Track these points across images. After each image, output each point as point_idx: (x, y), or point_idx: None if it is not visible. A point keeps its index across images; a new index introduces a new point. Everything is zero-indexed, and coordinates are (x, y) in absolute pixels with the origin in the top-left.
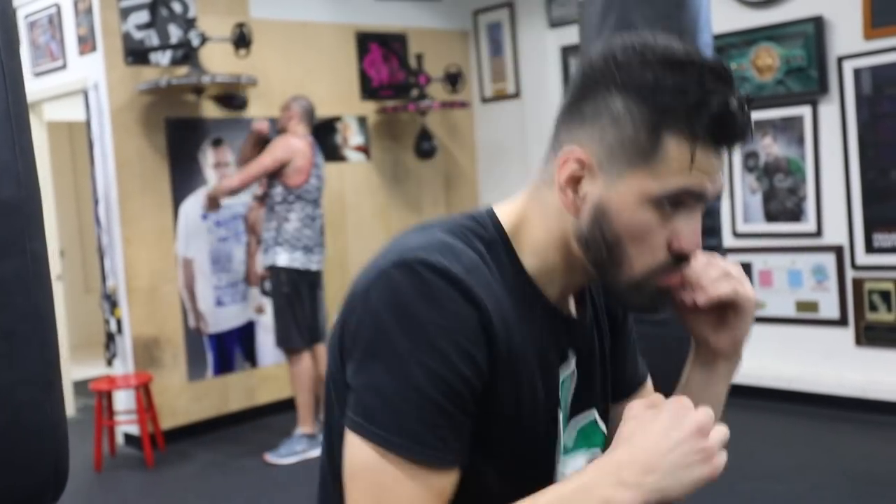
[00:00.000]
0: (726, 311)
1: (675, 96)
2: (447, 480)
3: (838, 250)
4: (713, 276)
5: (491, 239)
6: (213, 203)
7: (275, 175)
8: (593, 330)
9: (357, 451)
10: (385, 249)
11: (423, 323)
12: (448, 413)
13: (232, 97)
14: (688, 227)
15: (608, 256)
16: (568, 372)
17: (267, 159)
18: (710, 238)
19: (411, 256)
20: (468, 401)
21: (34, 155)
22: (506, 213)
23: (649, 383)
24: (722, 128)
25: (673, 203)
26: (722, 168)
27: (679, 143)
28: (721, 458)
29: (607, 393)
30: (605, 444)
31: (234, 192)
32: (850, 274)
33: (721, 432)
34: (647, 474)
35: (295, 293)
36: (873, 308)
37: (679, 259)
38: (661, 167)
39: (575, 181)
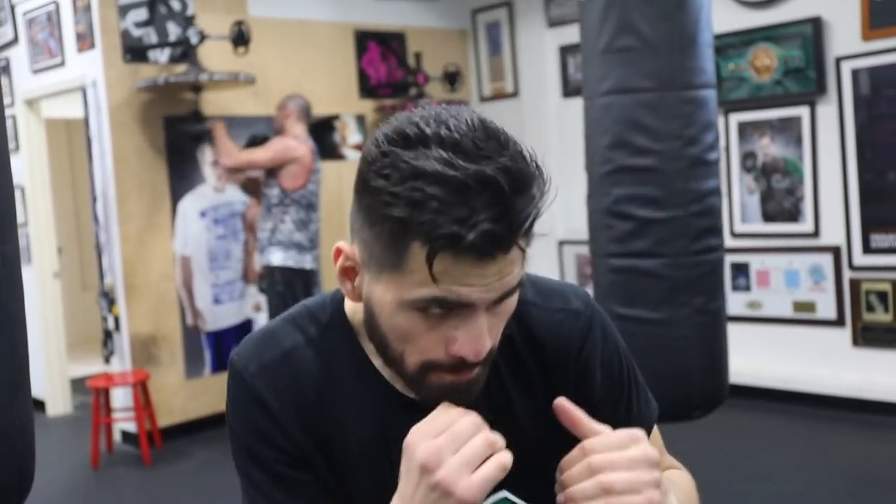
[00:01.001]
0: None
1: (410, 210)
2: None
3: (835, 251)
4: (587, 491)
5: (327, 321)
6: (225, 175)
7: (272, 175)
8: (506, 405)
9: None
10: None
11: (231, 420)
12: (274, 488)
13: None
14: (462, 332)
15: (385, 352)
16: None
17: (266, 152)
18: (712, 238)
19: (233, 353)
20: (290, 474)
21: (8, 155)
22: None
23: (655, 432)
24: (460, 245)
25: (439, 307)
26: (497, 272)
27: (420, 254)
28: (465, 486)
29: (534, 469)
30: None
31: (234, 170)
32: (847, 274)
33: (465, 453)
34: None
35: (289, 292)
36: (870, 308)
37: (461, 361)
38: (407, 276)
39: (348, 272)
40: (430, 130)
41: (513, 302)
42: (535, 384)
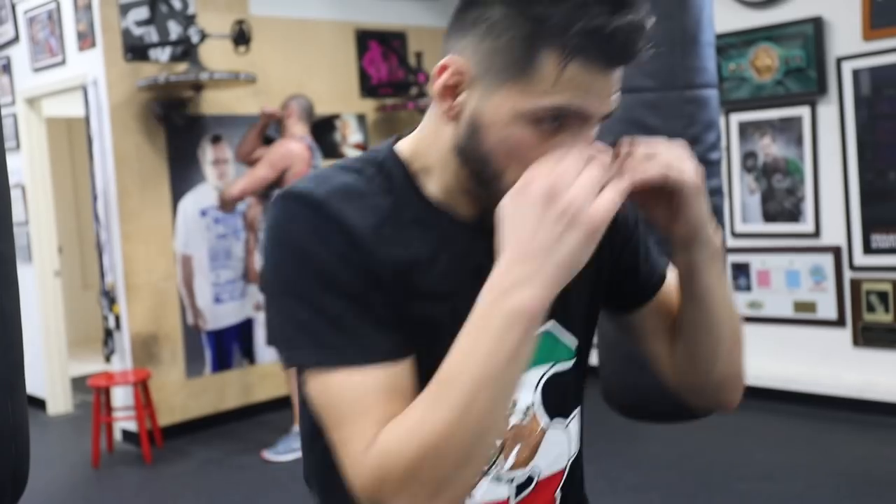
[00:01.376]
0: (671, 195)
1: (549, 8)
2: (393, 373)
3: (836, 251)
4: (637, 158)
5: (381, 160)
6: (226, 207)
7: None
8: None
9: (307, 385)
10: None
11: (299, 246)
12: (353, 315)
13: None
14: (569, 146)
15: (482, 170)
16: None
17: (267, 171)
18: None
19: (281, 192)
20: (370, 300)
21: (4, 154)
22: (406, 139)
23: (671, 278)
24: (599, 45)
25: (554, 120)
26: (613, 86)
27: (553, 58)
28: (594, 209)
29: (578, 306)
30: (578, 355)
31: (237, 200)
32: (847, 274)
33: (584, 180)
34: (531, 262)
35: None
36: (871, 309)
37: None
38: (534, 83)
39: (451, 90)
40: None
41: (598, 130)
42: None
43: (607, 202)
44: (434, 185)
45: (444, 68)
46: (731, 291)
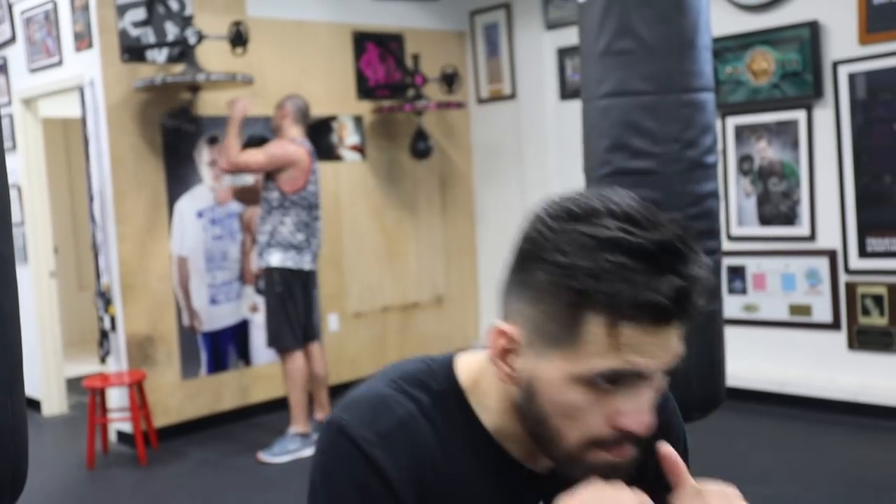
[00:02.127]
0: None
1: (593, 280)
2: None
3: (832, 254)
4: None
5: (440, 391)
6: (230, 167)
7: (272, 178)
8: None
9: None
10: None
11: (335, 488)
12: None
13: None
14: (630, 405)
15: (539, 431)
16: None
17: (262, 157)
18: (709, 240)
19: (338, 416)
20: None
21: (3, 155)
22: (467, 364)
23: None
24: (645, 311)
25: (609, 381)
26: (670, 342)
27: (600, 325)
28: None
29: None
30: None
31: (233, 168)
32: (843, 278)
33: None
34: None
35: (288, 293)
36: (866, 312)
37: (626, 437)
38: (583, 348)
39: (505, 354)
40: (600, 204)
41: (666, 378)
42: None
43: None
44: (490, 419)
45: (499, 333)
46: None
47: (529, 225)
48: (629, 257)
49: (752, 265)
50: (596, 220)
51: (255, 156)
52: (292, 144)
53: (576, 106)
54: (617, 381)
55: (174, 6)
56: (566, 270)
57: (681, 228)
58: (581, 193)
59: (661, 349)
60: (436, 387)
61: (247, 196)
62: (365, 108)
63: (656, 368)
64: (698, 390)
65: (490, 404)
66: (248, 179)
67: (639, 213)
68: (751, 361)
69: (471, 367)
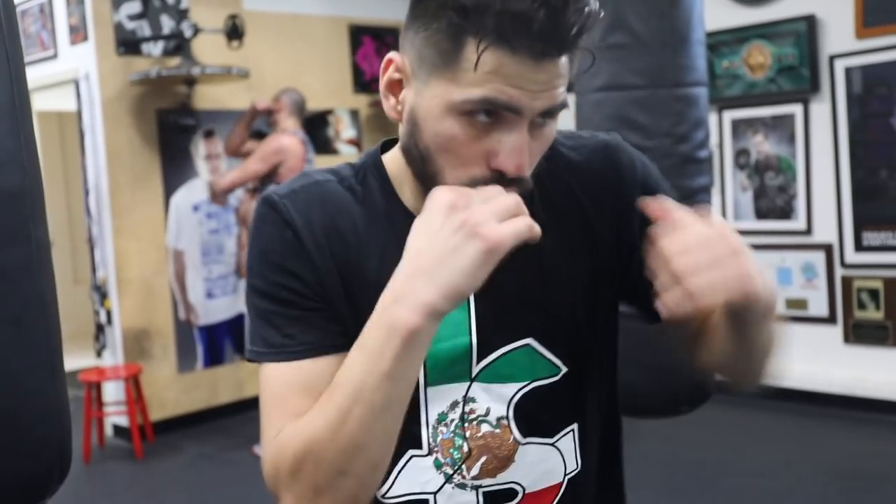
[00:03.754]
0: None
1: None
2: (312, 370)
3: (828, 248)
4: (699, 263)
5: (360, 165)
6: (217, 199)
7: (268, 175)
8: (552, 249)
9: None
10: None
11: (252, 250)
12: (284, 315)
13: None
14: (506, 143)
15: (424, 170)
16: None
17: (258, 165)
18: None
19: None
20: (301, 302)
21: (36, 144)
22: (395, 149)
23: None
24: (519, 32)
25: (486, 115)
26: (548, 80)
27: (477, 49)
28: (497, 227)
29: (562, 319)
30: (569, 372)
31: (227, 192)
32: (839, 272)
33: (495, 202)
34: (413, 280)
35: None
36: (862, 306)
37: (501, 177)
38: (462, 74)
39: (394, 87)
40: None
41: (552, 129)
42: (568, 223)
43: (511, 227)
44: (408, 194)
45: (387, 64)
46: (778, 328)
47: None
48: None
49: None
50: None
51: (252, 164)
52: (284, 135)
53: (571, 100)
54: (492, 114)
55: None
56: None
57: None
58: None
59: (539, 84)
60: (358, 163)
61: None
62: (361, 101)
63: (531, 107)
64: (689, 383)
65: (406, 178)
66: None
67: None
68: None
69: (395, 148)
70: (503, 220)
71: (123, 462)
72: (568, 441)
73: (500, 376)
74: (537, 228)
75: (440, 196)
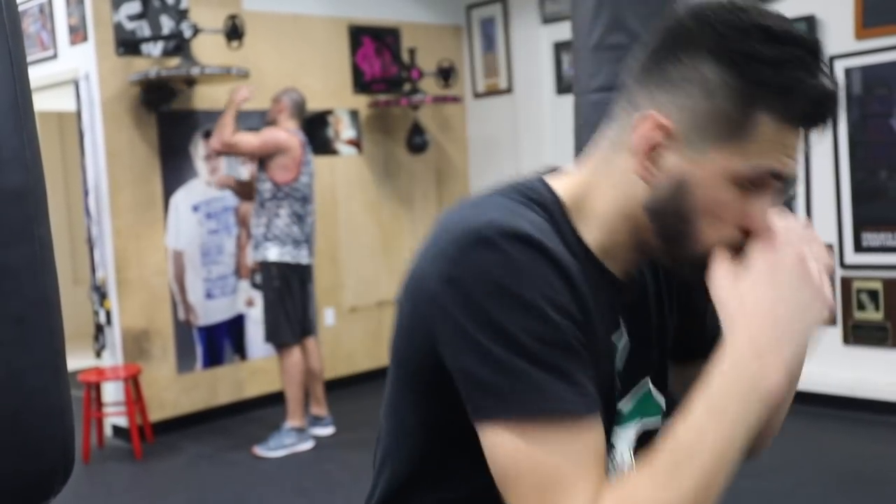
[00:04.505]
0: None
1: (774, 71)
2: (600, 431)
3: (827, 249)
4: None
5: (548, 204)
6: (218, 150)
7: (263, 168)
8: (652, 300)
9: (499, 443)
10: (444, 228)
11: (516, 292)
12: (569, 364)
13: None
14: (763, 205)
15: (678, 230)
16: (623, 340)
17: (256, 142)
18: None
19: (487, 229)
20: (579, 350)
21: (39, 142)
22: (563, 183)
23: None
24: (816, 109)
25: (755, 185)
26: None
27: (771, 121)
28: (828, 289)
29: (664, 366)
30: (663, 415)
31: (217, 153)
32: (838, 273)
33: (822, 255)
34: (779, 339)
35: (286, 287)
36: (861, 307)
37: (747, 234)
38: (751, 145)
39: (653, 148)
40: (744, 4)
41: None
42: (661, 281)
43: (828, 285)
44: (589, 234)
45: (647, 125)
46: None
47: (673, 22)
48: (807, 53)
49: None
50: (759, 15)
51: (248, 138)
52: (284, 132)
53: (572, 100)
54: (764, 184)
55: (169, 0)
56: (745, 61)
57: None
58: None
59: (798, 152)
60: (543, 200)
61: (243, 190)
62: (361, 102)
63: (793, 174)
64: None
65: (592, 218)
66: (243, 173)
67: (782, 18)
68: None
69: (569, 183)
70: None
71: (123, 462)
72: None
73: (631, 418)
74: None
75: (790, 250)
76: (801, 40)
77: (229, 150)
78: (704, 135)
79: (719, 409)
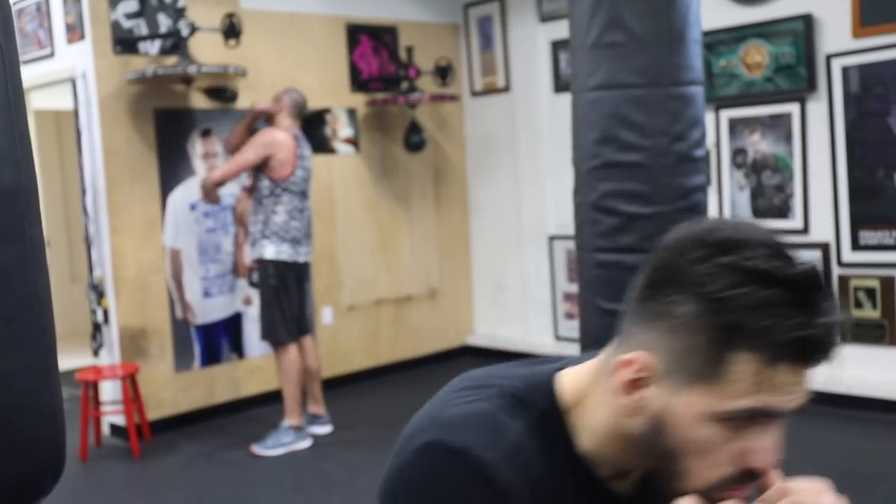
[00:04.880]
0: None
1: (746, 314)
2: None
3: (825, 247)
4: (771, 497)
5: (544, 410)
6: (209, 195)
7: (260, 168)
8: None
9: None
10: (438, 404)
11: None
12: None
13: (223, 90)
14: (760, 444)
15: (665, 466)
16: None
17: (249, 154)
18: None
19: (447, 438)
20: None
21: (31, 141)
22: (570, 384)
23: None
24: (796, 350)
25: (745, 419)
26: (806, 383)
27: (748, 362)
28: None
29: None
30: None
31: (218, 184)
32: (836, 271)
33: None
34: None
35: (282, 285)
36: (859, 305)
37: (749, 476)
38: (727, 387)
39: (635, 385)
40: (743, 235)
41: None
42: None
43: None
44: (586, 439)
45: (629, 363)
46: None
47: (664, 252)
48: (784, 292)
49: None
50: (745, 252)
51: (245, 154)
52: (277, 130)
53: (569, 99)
54: (751, 419)
55: None
56: (717, 304)
57: (813, 264)
58: (715, 222)
59: (801, 388)
60: (540, 406)
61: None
62: (358, 100)
63: (791, 407)
64: None
65: (589, 426)
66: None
67: (781, 245)
68: None
69: (574, 385)
70: None
71: (121, 461)
72: None
73: None
74: None
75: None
76: (783, 279)
77: (233, 177)
78: (682, 374)
79: None
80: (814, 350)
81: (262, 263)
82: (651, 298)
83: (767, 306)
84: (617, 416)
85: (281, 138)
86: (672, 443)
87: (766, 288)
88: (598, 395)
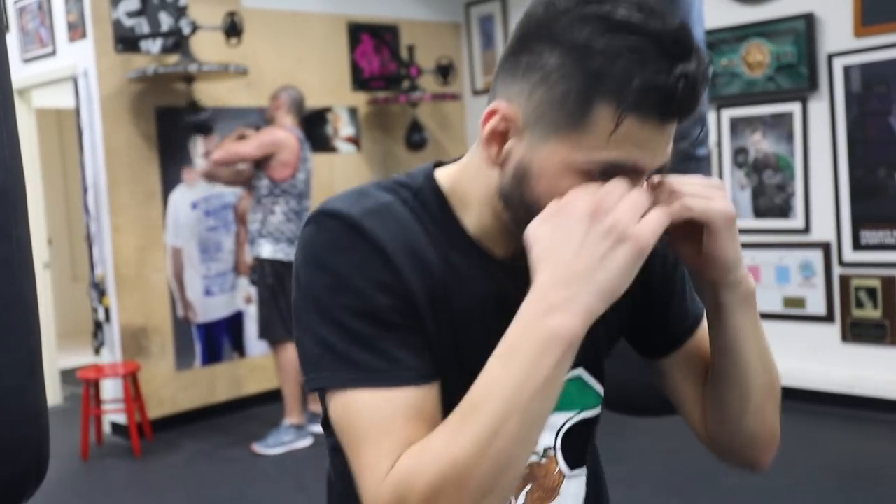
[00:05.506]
0: (699, 232)
1: (608, 61)
2: (420, 396)
3: (826, 247)
4: (665, 192)
5: (418, 188)
6: (210, 173)
7: (261, 167)
8: None
9: (330, 407)
10: None
11: (333, 269)
12: (385, 338)
13: (194, 103)
14: None
15: (526, 217)
16: None
17: (251, 148)
18: None
19: (318, 213)
20: (403, 323)
21: (19, 141)
22: (446, 169)
23: (704, 324)
24: (656, 100)
25: (603, 174)
26: (667, 140)
27: (608, 113)
28: (641, 227)
29: (598, 354)
30: (603, 403)
31: (218, 164)
32: (837, 270)
33: (630, 200)
34: (569, 286)
35: (279, 285)
36: (860, 305)
37: None
38: (588, 136)
39: (499, 136)
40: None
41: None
42: None
43: (654, 222)
44: (470, 220)
45: (492, 113)
46: (767, 341)
47: (533, 7)
48: (647, 41)
49: (746, 257)
50: (613, 4)
51: (246, 145)
52: (281, 130)
53: None
54: (611, 174)
55: None
56: (581, 52)
57: (683, 21)
58: None
59: (660, 146)
60: (414, 185)
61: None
62: (360, 99)
63: (652, 166)
64: None
65: (470, 203)
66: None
67: (651, 2)
68: None
69: (449, 171)
70: (641, 216)
71: (122, 460)
72: (585, 470)
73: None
74: (668, 214)
75: (579, 203)
76: (646, 29)
77: (230, 162)
78: (546, 124)
79: (508, 354)
80: (674, 99)
81: (259, 262)
82: (518, 52)
83: (630, 53)
84: (487, 183)
85: (286, 140)
86: (533, 193)
87: (630, 36)
88: (472, 168)
